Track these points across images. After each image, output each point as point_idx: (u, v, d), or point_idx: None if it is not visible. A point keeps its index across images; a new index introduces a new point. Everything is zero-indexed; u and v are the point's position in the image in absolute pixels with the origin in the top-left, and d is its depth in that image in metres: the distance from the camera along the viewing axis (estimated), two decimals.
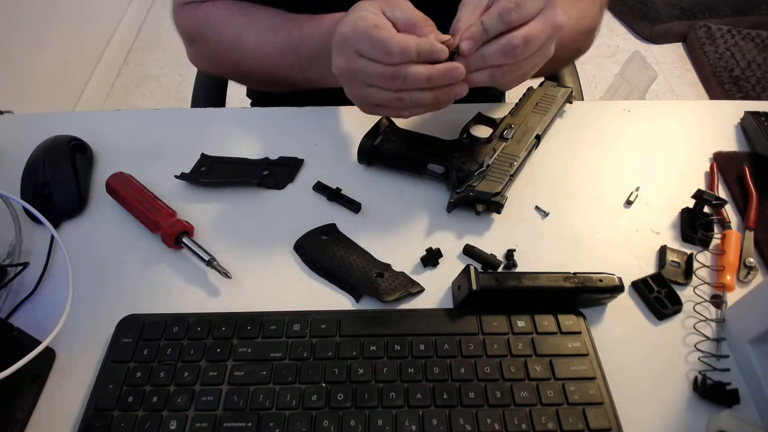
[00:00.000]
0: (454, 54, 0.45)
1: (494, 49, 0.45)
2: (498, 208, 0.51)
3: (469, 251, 0.50)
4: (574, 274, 0.44)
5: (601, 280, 0.44)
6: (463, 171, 0.52)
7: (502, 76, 0.47)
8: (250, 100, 0.83)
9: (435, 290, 0.48)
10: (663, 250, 0.50)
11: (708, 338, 0.45)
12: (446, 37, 0.46)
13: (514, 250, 0.50)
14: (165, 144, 0.60)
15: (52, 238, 0.49)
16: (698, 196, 0.52)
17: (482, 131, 0.57)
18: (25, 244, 0.50)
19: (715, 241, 0.51)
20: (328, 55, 0.48)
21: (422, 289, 0.48)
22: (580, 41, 0.64)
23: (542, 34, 0.45)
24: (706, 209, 0.53)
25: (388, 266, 0.49)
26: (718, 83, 1.76)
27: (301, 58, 0.56)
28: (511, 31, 0.45)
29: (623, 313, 0.47)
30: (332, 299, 0.47)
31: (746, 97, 1.70)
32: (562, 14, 0.47)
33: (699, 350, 0.44)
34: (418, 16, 0.46)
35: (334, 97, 0.59)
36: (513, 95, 0.68)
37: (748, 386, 0.42)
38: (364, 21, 0.44)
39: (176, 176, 0.55)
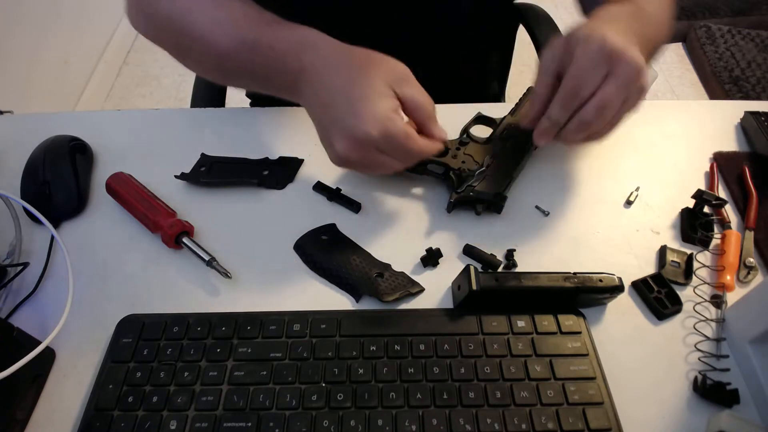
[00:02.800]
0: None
1: (569, 129, 0.46)
2: (498, 208, 0.51)
3: (469, 251, 0.50)
4: (574, 274, 0.44)
5: (601, 280, 0.44)
6: (463, 171, 0.52)
7: (587, 139, 0.48)
8: (249, 100, 0.83)
9: (435, 290, 0.48)
10: (663, 250, 0.50)
11: (708, 338, 0.45)
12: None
13: (514, 250, 0.50)
14: (165, 144, 0.60)
15: (52, 238, 0.49)
16: (698, 196, 0.52)
17: (482, 131, 0.57)
18: (25, 244, 0.50)
19: (715, 241, 0.51)
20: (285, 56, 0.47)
21: (422, 289, 0.48)
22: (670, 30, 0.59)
23: (616, 97, 0.44)
24: (706, 209, 0.53)
25: (388, 266, 0.49)
26: (718, 83, 1.76)
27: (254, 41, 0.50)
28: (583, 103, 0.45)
29: (623, 313, 0.47)
30: (332, 299, 0.47)
31: (746, 97, 1.70)
32: (637, 58, 0.43)
33: (699, 350, 0.44)
34: (426, 98, 0.46)
35: None
36: (513, 95, 0.68)
37: (748, 386, 0.42)
38: (394, 126, 0.42)
39: (176, 176, 0.55)
